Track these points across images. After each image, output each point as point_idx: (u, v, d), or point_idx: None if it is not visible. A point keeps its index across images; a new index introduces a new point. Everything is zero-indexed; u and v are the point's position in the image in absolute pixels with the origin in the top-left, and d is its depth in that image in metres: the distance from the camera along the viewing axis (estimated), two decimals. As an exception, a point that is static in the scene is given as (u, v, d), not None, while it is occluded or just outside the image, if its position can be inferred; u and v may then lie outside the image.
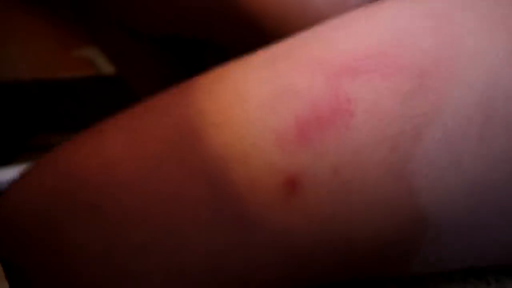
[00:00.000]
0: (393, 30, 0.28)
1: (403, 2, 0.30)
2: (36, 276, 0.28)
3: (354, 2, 0.40)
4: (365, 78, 0.27)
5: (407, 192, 0.27)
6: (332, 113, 0.26)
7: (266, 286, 0.30)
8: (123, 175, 0.28)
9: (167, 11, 0.41)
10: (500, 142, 0.27)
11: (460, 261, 0.30)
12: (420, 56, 0.27)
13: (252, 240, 0.27)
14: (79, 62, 0.66)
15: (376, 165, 0.27)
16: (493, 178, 0.27)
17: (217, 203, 0.27)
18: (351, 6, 0.42)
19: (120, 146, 0.28)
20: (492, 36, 0.27)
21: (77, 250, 0.27)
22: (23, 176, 0.30)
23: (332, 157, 0.26)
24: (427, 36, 0.28)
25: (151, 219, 0.27)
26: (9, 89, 0.66)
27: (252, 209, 0.27)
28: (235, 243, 0.27)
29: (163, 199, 0.27)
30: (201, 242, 0.27)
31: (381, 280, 0.35)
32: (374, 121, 0.27)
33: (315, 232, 0.27)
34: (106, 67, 0.67)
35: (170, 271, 0.27)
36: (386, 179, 0.27)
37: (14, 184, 0.31)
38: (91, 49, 0.66)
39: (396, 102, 0.27)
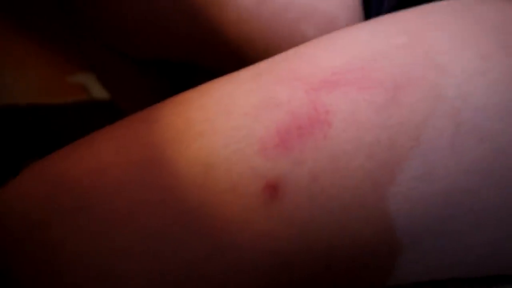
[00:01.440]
0: (370, 47, 0.30)
1: (380, 23, 0.32)
2: (23, 275, 0.29)
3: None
4: (343, 91, 0.29)
5: (383, 199, 0.28)
6: (311, 123, 0.28)
7: None
8: (111, 180, 0.29)
9: (159, 37, 0.43)
10: (471, 152, 0.29)
11: (438, 270, 0.31)
12: (394, 70, 0.29)
13: (234, 244, 0.28)
14: (73, 87, 0.68)
15: (354, 172, 0.28)
16: (466, 187, 0.29)
17: (200, 207, 0.28)
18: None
19: (109, 153, 0.30)
20: (461, 54, 0.30)
21: (63, 251, 0.28)
22: (14, 181, 0.31)
23: (311, 164, 0.28)
24: (400, 52, 0.30)
25: (135, 221, 0.28)
26: (4, 114, 0.67)
27: (234, 213, 0.28)
28: (217, 247, 0.28)
29: (147, 203, 0.28)
30: (183, 245, 0.28)
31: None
32: (351, 130, 0.28)
33: (295, 236, 0.28)
34: (99, 93, 0.69)
35: (152, 275, 0.28)
36: (363, 186, 0.28)
37: (5, 188, 0.32)
38: (84, 75, 0.68)
39: (371, 113, 0.28)
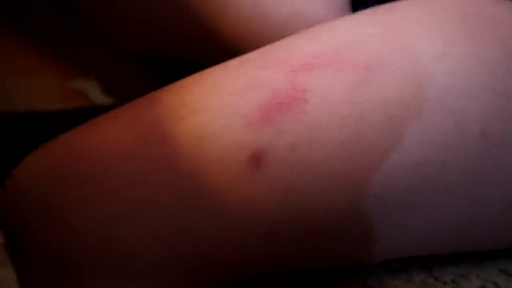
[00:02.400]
0: (345, 36, 0.34)
1: (355, 17, 0.36)
2: (38, 236, 0.33)
3: None
4: (319, 72, 0.32)
5: (355, 169, 0.30)
6: (290, 100, 0.32)
7: (235, 269, 0.33)
8: (113, 152, 0.32)
9: (158, 35, 0.45)
10: (436, 126, 0.32)
11: (413, 245, 0.33)
12: (366, 54, 0.33)
13: (223, 208, 0.31)
14: (73, 93, 0.68)
15: (328, 143, 0.31)
16: (432, 159, 0.31)
17: (192, 175, 0.31)
18: None
19: (112, 131, 0.33)
20: (428, 39, 0.33)
21: (70, 218, 0.32)
22: (28, 156, 0.36)
23: (290, 136, 0.31)
24: (373, 40, 0.33)
25: (134, 188, 0.32)
26: (4, 120, 0.67)
27: (222, 181, 0.31)
28: (208, 211, 0.31)
29: (145, 171, 0.32)
30: (176, 209, 0.31)
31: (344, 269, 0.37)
32: (325, 106, 0.32)
33: (278, 200, 0.31)
34: (99, 98, 0.69)
35: (149, 237, 0.31)
36: (337, 156, 0.31)
37: (20, 163, 0.36)
38: (85, 81, 0.68)
39: (344, 91, 0.32)
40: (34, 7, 0.62)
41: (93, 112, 0.70)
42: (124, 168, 0.32)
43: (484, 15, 0.34)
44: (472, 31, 0.33)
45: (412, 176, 0.31)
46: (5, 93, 0.68)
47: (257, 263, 0.34)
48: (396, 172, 0.31)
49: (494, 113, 0.31)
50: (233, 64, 0.35)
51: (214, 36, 0.46)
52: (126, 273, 0.32)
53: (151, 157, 0.32)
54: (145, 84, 0.52)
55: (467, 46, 0.33)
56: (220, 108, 0.32)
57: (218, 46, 0.47)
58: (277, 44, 0.36)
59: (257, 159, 0.31)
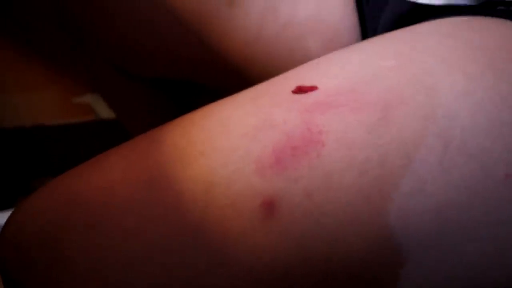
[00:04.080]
0: (361, 70, 0.32)
1: (371, 45, 0.33)
2: None
3: (344, 44, 0.43)
4: (336, 112, 0.30)
5: (376, 214, 0.29)
6: (305, 143, 0.29)
7: None
8: (119, 198, 0.30)
9: (164, 58, 0.44)
10: (460, 169, 0.30)
11: (435, 285, 0.32)
12: (384, 92, 0.30)
13: (234, 257, 0.29)
14: (80, 108, 0.69)
15: (346, 189, 0.29)
16: (456, 201, 0.30)
17: (202, 223, 0.29)
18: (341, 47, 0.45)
19: (117, 172, 0.31)
20: (449, 75, 0.31)
21: (75, 266, 0.30)
22: (27, 200, 0.33)
23: (306, 182, 0.29)
24: (390, 74, 0.31)
25: (141, 236, 0.30)
26: (12, 134, 0.68)
27: (233, 228, 0.29)
28: (218, 260, 0.29)
29: (152, 218, 0.30)
30: (185, 258, 0.29)
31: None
32: (343, 149, 0.29)
33: (292, 249, 0.29)
34: (106, 113, 0.70)
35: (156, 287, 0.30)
36: (356, 202, 0.29)
37: (19, 206, 0.33)
38: (91, 95, 0.69)
39: (363, 132, 0.29)
40: (41, 25, 0.63)
41: (98, 126, 0.71)
42: (131, 214, 0.30)
43: (505, 47, 0.32)
44: (493, 63, 0.31)
45: (434, 220, 0.30)
46: (12, 107, 0.68)
47: None
48: (418, 216, 0.29)
49: None
50: (242, 100, 0.33)
51: (221, 59, 0.45)
52: None
53: (159, 203, 0.30)
54: (147, 100, 0.53)
55: (489, 82, 0.31)
56: (230, 151, 0.30)
57: (225, 68, 0.45)
58: (286, 76, 0.34)
59: (270, 206, 0.29)
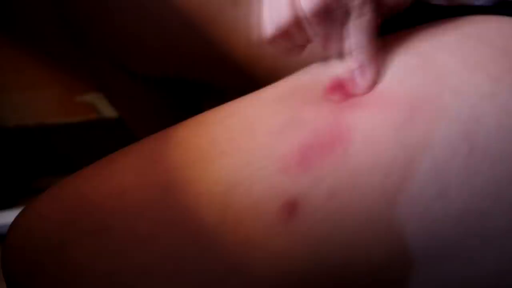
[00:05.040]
0: (387, 69, 0.32)
1: (393, 43, 0.33)
2: None
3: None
4: (364, 110, 0.30)
5: (397, 218, 0.28)
6: (333, 140, 0.29)
7: None
8: (131, 202, 0.29)
9: (169, 58, 0.44)
10: (484, 173, 0.29)
11: None
12: (410, 91, 0.30)
13: (250, 266, 0.28)
14: (83, 107, 0.69)
15: (371, 190, 0.28)
16: (478, 208, 0.29)
17: (220, 226, 0.29)
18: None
19: (129, 176, 0.30)
20: (473, 77, 0.30)
21: (83, 271, 0.29)
22: (34, 202, 0.32)
23: (330, 181, 0.28)
24: (415, 74, 0.31)
25: (155, 241, 0.29)
26: (14, 133, 0.67)
27: (254, 231, 0.28)
28: (234, 267, 0.28)
29: (167, 223, 0.29)
30: (200, 265, 0.29)
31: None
32: (370, 148, 0.29)
33: (310, 255, 0.29)
34: (107, 111, 0.69)
35: None
36: (380, 204, 0.28)
37: (25, 209, 0.32)
38: (94, 94, 0.68)
39: (390, 131, 0.29)
40: (42, 24, 0.62)
41: (101, 124, 0.70)
42: (145, 218, 0.29)
43: None
44: None
45: (456, 226, 0.29)
46: (14, 106, 0.68)
47: None
48: (440, 222, 0.29)
49: None
50: (267, 98, 0.32)
51: (226, 58, 0.44)
52: None
53: (174, 207, 0.29)
54: (150, 100, 0.52)
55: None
56: (254, 150, 0.29)
57: (230, 67, 0.45)
58: (313, 72, 0.33)
59: (291, 208, 0.28)
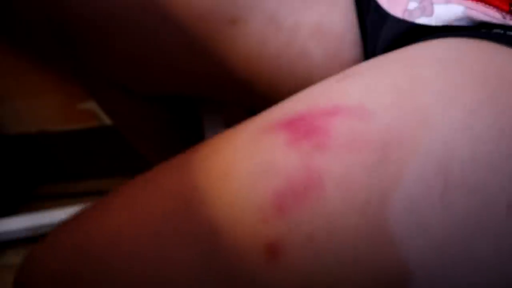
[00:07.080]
0: (361, 105, 0.31)
1: (368, 76, 0.33)
2: None
3: (346, 58, 0.43)
4: (335, 153, 0.30)
5: (379, 254, 0.29)
6: (305, 187, 0.29)
7: None
8: (126, 245, 0.31)
9: (167, 75, 0.44)
10: (461, 206, 0.29)
11: None
12: (383, 130, 0.30)
13: None
14: (84, 114, 0.69)
15: (348, 231, 0.29)
16: (460, 237, 0.29)
17: (207, 267, 0.30)
18: (343, 62, 0.44)
19: (123, 219, 0.31)
20: (448, 110, 0.30)
21: None
22: (32, 251, 0.33)
23: (307, 226, 0.29)
24: (389, 111, 0.31)
25: (150, 282, 0.30)
26: (15, 140, 0.68)
27: (238, 272, 0.29)
28: None
29: (160, 264, 0.30)
30: None
31: None
32: (343, 191, 0.29)
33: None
34: (108, 119, 0.70)
35: None
36: (359, 243, 0.29)
37: (25, 259, 0.34)
38: (94, 102, 0.68)
39: (362, 173, 0.29)
40: (42, 36, 0.63)
41: (102, 131, 0.70)
42: (137, 260, 0.30)
43: (506, 76, 0.32)
44: (494, 95, 0.31)
45: (439, 258, 0.29)
46: (16, 114, 0.68)
47: None
48: (423, 255, 0.29)
49: None
50: (243, 138, 0.33)
51: (225, 75, 0.44)
52: None
53: (164, 247, 0.30)
54: (149, 116, 0.53)
55: (489, 115, 0.30)
56: (233, 198, 0.30)
57: (229, 84, 0.45)
58: (285, 108, 0.33)
59: (273, 250, 0.29)
